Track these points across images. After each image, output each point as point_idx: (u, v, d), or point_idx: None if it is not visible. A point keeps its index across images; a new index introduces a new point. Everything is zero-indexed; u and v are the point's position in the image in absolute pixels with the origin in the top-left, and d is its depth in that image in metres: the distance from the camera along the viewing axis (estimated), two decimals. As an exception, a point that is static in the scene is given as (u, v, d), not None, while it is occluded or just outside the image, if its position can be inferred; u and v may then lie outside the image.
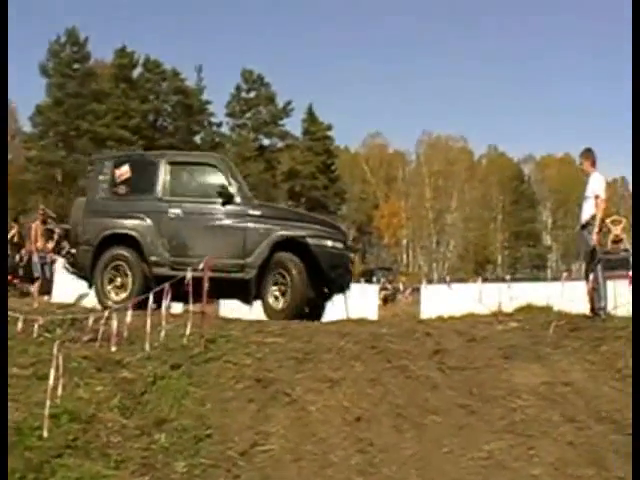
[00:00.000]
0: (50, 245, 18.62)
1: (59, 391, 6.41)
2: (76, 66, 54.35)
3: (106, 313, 7.82)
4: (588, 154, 9.70)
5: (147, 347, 7.58)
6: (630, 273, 14.42)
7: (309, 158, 66.59)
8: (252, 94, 68.56)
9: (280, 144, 69.24)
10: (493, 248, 73.12)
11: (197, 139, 67.16)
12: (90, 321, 7.71)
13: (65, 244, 17.84)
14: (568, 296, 10.83)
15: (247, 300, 10.21)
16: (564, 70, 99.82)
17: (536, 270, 71.30)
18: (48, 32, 58.48)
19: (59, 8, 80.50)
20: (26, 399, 6.56)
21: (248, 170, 63.89)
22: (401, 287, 29.62)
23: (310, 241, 9.74)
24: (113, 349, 7.55)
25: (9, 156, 52.47)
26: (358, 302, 14.26)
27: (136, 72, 58.90)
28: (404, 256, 74.07)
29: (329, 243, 9.91)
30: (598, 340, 8.09)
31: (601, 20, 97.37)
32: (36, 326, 7.67)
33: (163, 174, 10.27)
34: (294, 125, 68.95)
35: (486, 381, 7.28)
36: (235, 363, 7.46)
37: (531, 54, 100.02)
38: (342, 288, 10.60)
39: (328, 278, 9.95)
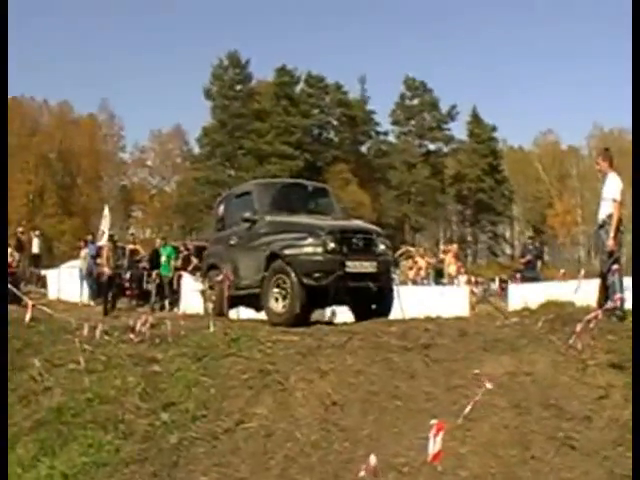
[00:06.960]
0: (178, 262, 21.00)
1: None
2: (238, 87, 58.09)
3: (150, 319, 9.59)
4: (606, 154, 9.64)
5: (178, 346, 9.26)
6: None
7: (475, 161, 66.79)
8: (415, 101, 69.55)
9: (445, 149, 69.87)
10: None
11: (363, 149, 69.07)
12: (138, 325, 9.49)
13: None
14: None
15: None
16: None
17: None
18: (211, 56, 62.21)
19: (221, 33, 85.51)
20: (72, 387, 8.43)
21: (414, 177, 65.17)
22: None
23: (286, 252, 10.57)
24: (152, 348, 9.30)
25: (180, 178, 56.87)
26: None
27: (298, 88, 61.72)
28: (581, 254, 71.91)
29: (304, 250, 10.49)
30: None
31: None
32: (97, 331, 9.56)
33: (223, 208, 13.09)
34: (458, 129, 69.31)
35: (458, 371, 8.14)
36: (247, 357, 8.80)
37: None
38: (323, 292, 10.66)
39: (307, 285, 10.39)
